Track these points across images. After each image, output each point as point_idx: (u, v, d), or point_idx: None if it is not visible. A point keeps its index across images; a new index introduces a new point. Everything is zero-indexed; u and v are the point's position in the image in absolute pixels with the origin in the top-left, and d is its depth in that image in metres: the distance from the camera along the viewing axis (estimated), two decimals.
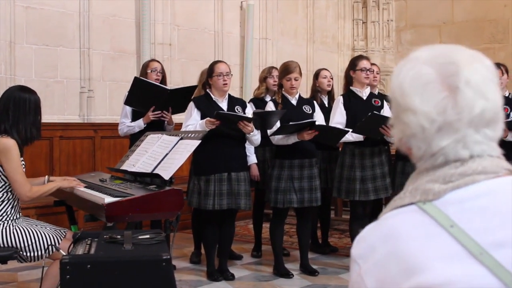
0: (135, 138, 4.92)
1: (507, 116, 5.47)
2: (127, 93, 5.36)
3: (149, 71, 5.44)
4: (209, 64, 5.22)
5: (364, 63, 5.23)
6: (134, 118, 5.38)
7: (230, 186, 4.91)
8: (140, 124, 5.31)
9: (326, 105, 5.82)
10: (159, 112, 5.29)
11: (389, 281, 0.90)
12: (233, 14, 8.82)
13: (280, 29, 9.60)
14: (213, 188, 4.89)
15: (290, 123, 4.84)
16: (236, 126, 4.79)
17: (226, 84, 4.99)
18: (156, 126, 5.28)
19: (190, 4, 8.26)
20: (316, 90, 5.92)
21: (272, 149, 5.47)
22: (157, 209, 3.34)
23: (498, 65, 5.64)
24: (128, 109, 5.39)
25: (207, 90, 5.09)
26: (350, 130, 4.98)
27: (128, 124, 5.37)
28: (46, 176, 3.99)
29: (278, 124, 4.96)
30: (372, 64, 5.75)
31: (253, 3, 8.88)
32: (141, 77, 5.33)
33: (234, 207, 4.95)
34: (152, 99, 5.24)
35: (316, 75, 5.98)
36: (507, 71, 5.97)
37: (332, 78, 6.00)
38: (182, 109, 5.30)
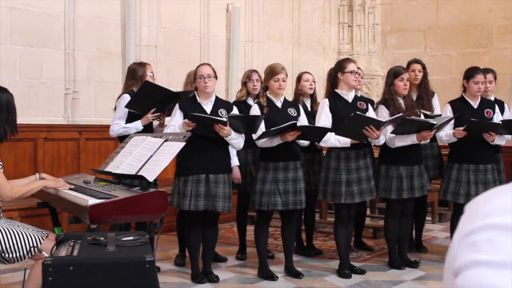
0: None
1: (490, 119, 5.52)
2: (125, 95, 5.29)
3: (150, 74, 5.41)
4: None
5: (353, 66, 5.27)
6: (128, 119, 5.34)
7: (207, 187, 4.91)
8: (138, 125, 5.25)
9: (309, 109, 5.82)
10: (159, 114, 5.30)
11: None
12: (219, 16, 8.81)
13: (266, 32, 9.61)
14: (190, 188, 4.90)
15: (272, 128, 4.85)
16: (213, 128, 4.80)
17: (207, 86, 4.99)
18: (145, 128, 5.27)
19: (176, 6, 8.25)
20: (298, 94, 5.93)
21: (254, 151, 5.48)
22: (141, 211, 3.33)
23: (488, 71, 5.77)
24: (125, 110, 5.28)
25: (195, 92, 5.10)
26: (330, 128, 4.99)
27: (124, 126, 5.27)
28: (37, 174, 3.96)
29: (262, 127, 4.96)
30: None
31: (239, 6, 8.88)
32: (151, 82, 5.28)
33: (210, 208, 4.93)
34: (155, 102, 5.22)
35: (299, 78, 5.98)
36: (495, 78, 6.04)
37: (314, 82, 6.00)
38: None
